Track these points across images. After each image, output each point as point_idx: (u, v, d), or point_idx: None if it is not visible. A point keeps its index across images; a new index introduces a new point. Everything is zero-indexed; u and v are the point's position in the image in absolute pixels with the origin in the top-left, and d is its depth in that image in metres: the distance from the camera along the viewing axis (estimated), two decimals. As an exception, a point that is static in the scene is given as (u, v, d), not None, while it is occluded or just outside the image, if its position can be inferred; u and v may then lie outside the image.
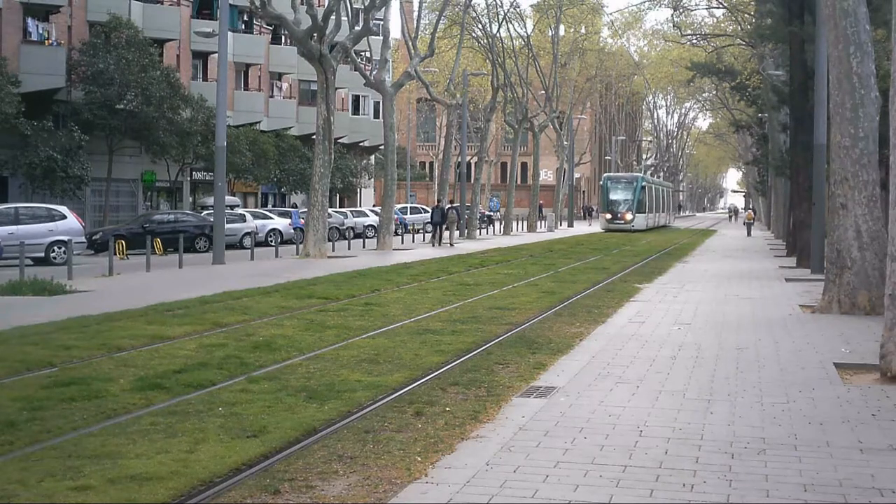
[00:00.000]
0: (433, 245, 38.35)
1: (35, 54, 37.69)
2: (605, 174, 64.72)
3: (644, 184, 58.31)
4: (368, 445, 6.86)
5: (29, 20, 38.45)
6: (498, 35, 50.30)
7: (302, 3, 30.00)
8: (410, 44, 39.60)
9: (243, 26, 52.53)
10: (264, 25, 52.54)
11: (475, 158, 66.13)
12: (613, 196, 57.46)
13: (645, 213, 57.76)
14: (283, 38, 55.02)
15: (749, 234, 53.23)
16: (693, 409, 8.03)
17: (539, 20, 60.73)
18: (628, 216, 56.14)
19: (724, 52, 49.70)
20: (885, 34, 20.61)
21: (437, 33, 42.49)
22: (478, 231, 48.16)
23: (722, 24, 52.44)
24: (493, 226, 58.65)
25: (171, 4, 46.70)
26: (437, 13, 44.37)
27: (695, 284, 20.61)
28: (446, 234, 39.62)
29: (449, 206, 40.72)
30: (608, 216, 57.13)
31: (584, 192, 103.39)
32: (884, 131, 11.40)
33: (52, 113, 38.85)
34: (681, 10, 49.79)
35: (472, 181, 51.57)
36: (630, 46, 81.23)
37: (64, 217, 27.28)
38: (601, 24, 69.57)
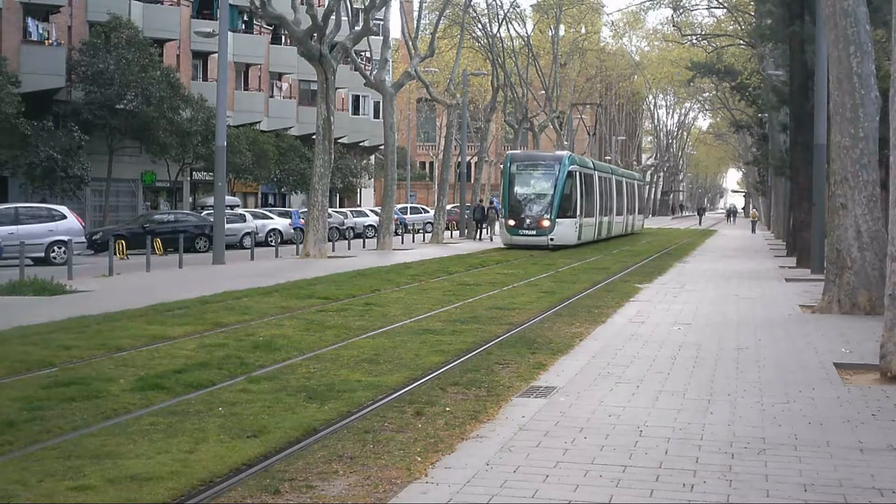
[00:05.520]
0: (474, 240, 42.74)
1: (35, 54, 37.71)
2: (509, 152, 40.66)
3: (574, 168, 36.37)
4: (368, 445, 6.86)
5: (29, 20, 38.47)
6: (498, 35, 50.31)
7: (302, 3, 30.00)
8: (410, 44, 39.62)
9: (243, 26, 52.54)
10: (264, 25, 52.54)
11: (475, 158, 66.14)
12: (521, 188, 35.92)
13: (576, 216, 36.13)
14: (283, 38, 55.01)
15: (753, 231, 58.77)
16: (693, 409, 8.03)
17: (539, 20, 60.73)
18: (545, 223, 34.90)
19: (724, 52, 49.68)
20: (885, 34, 20.62)
21: (437, 33, 42.50)
22: (478, 231, 48.17)
23: (722, 25, 52.48)
24: (494, 225, 58.61)
25: (171, 4, 46.70)
26: (437, 13, 44.39)
27: (695, 284, 20.61)
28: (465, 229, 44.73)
29: (489, 205, 45.50)
30: (511, 222, 35.45)
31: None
32: (884, 131, 11.40)
33: (52, 113, 38.87)
34: (681, 11, 49.86)
35: (472, 181, 51.58)
36: (630, 46, 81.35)
37: (64, 217, 27.29)
38: (601, 24, 69.53)
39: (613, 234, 45.31)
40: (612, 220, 44.75)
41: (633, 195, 52.57)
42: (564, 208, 35.43)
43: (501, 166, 40.03)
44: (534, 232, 34.97)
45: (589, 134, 63.00)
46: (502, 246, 36.07)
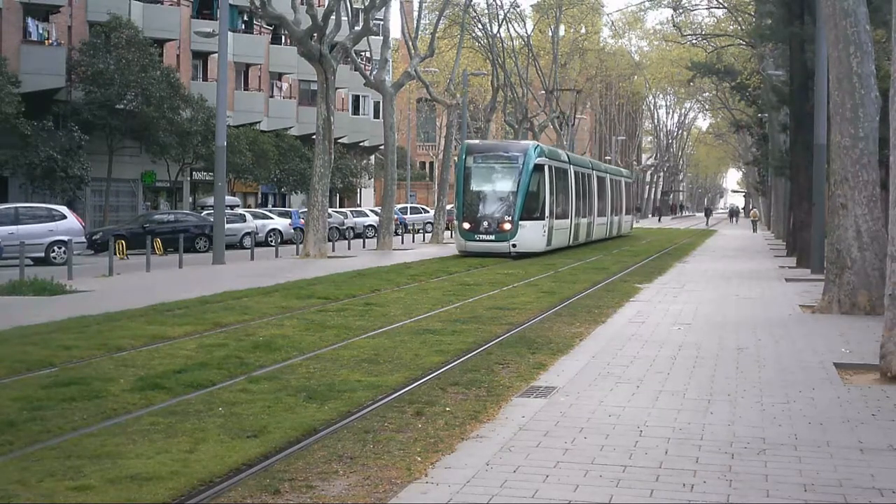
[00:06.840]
0: None
1: (35, 54, 37.71)
2: (465, 141, 34.80)
3: (542, 161, 30.82)
4: (368, 445, 6.86)
5: (29, 20, 38.47)
6: (498, 35, 50.32)
7: (302, 3, 30.01)
8: (410, 44, 39.63)
9: (243, 26, 52.55)
10: (264, 25, 52.55)
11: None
12: (478, 185, 30.50)
13: (544, 217, 30.71)
14: (283, 38, 55.02)
15: (755, 230, 59.59)
16: (693, 409, 8.03)
17: (539, 20, 60.75)
18: (506, 225, 29.42)
19: (724, 52, 49.72)
20: (885, 34, 20.62)
21: (437, 33, 42.53)
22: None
23: (722, 24, 52.50)
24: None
25: (171, 4, 46.70)
26: (437, 13, 44.41)
27: (695, 284, 20.61)
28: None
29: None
30: (466, 225, 29.99)
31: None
32: (884, 131, 11.40)
33: (52, 113, 38.87)
34: (681, 11, 49.89)
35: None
36: (630, 46, 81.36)
37: (64, 217, 27.30)
38: (601, 24, 69.55)
39: (594, 237, 39.86)
40: (593, 221, 39.26)
41: (618, 193, 46.79)
42: (530, 208, 29.97)
43: (455, 160, 34.98)
44: (493, 237, 29.47)
45: (569, 124, 62.07)
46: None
